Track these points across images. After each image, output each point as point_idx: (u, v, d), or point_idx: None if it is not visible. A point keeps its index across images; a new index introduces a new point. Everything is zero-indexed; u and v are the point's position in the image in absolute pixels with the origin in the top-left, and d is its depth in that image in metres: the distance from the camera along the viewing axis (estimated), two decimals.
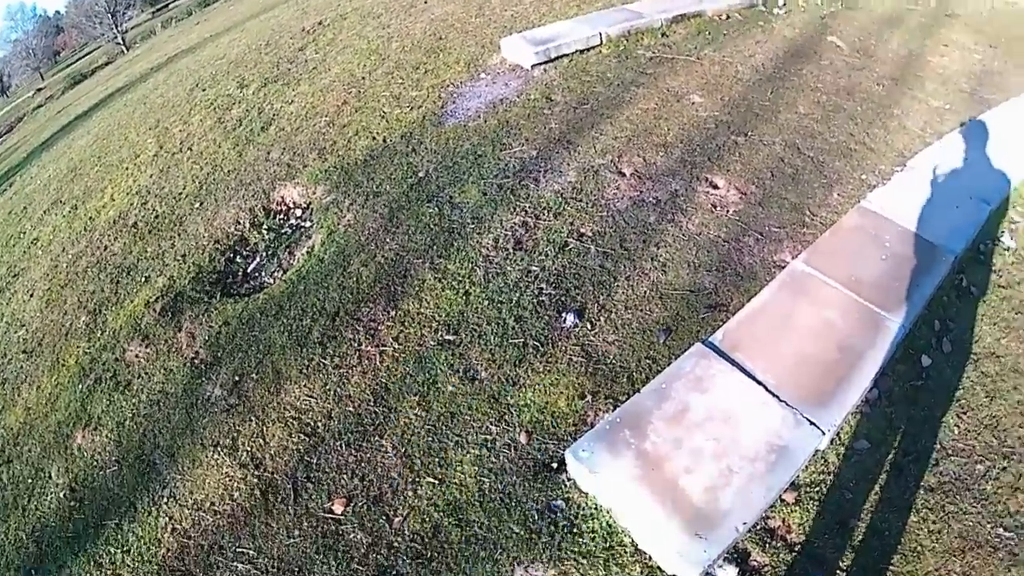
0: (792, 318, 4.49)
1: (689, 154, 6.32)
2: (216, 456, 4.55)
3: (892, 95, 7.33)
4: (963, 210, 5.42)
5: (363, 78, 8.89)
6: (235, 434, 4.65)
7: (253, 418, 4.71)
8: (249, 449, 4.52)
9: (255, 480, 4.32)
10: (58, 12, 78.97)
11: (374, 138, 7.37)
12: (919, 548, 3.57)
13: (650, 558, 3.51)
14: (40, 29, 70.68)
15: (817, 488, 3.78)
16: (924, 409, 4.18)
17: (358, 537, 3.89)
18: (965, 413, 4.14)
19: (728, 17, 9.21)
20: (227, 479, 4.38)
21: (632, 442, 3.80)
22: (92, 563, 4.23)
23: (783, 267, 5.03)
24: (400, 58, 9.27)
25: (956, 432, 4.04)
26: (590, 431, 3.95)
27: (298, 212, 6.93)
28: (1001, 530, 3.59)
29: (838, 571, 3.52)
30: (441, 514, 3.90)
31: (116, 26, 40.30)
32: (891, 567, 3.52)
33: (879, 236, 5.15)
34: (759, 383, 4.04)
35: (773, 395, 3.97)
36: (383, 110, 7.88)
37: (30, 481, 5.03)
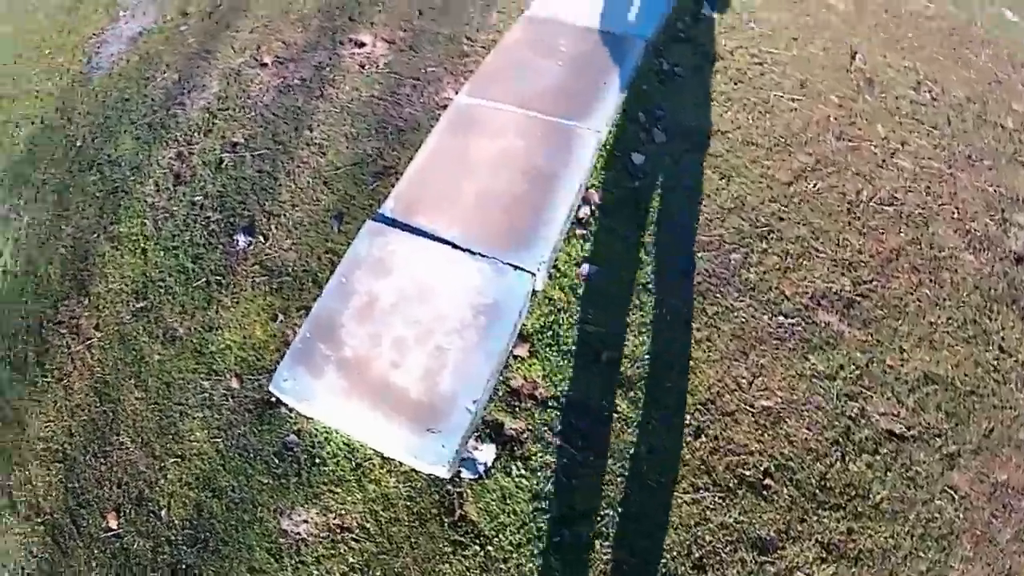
0: (467, 159, 3.94)
1: (328, 20, 5.71)
2: (3, 520, 4.02)
3: None
4: None
5: (15, 61, 7.72)
6: (8, 490, 4.12)
7: (15, 466, 4.18)
8: (26, 499, 4.02)
9: (42, 528, 3.87)
10: None
11: (32, 123, 6.43)
12: (692, 362, 3.26)
13: (400, 464, 3.18)
14: None
15: (551, 332, 3.41)
16: (650, 212, 3.80)
17: (140, 544, 3.54)
18: (701, 202, 3.79)
19: None
20: (20, 538, 3.90)
21: (329, 354, 3.32)
22: None
23: (447, 106, 4.48)
24: (40, 24, 8.12)
25: (696, 225, 3.69)
26: (284, 357, 3.49)
27: None
28: (782, 318, 3.33)
29: (605, 412, 3.17)
30: (196, 491, 3.59)
31: None
32: (667, 392, 3.20)
33: (551, 42, 4.57)
34: (445, 242, 3.52)
35: (464, 250, 3.46)
36: (36, 89, 6.85)
37: None
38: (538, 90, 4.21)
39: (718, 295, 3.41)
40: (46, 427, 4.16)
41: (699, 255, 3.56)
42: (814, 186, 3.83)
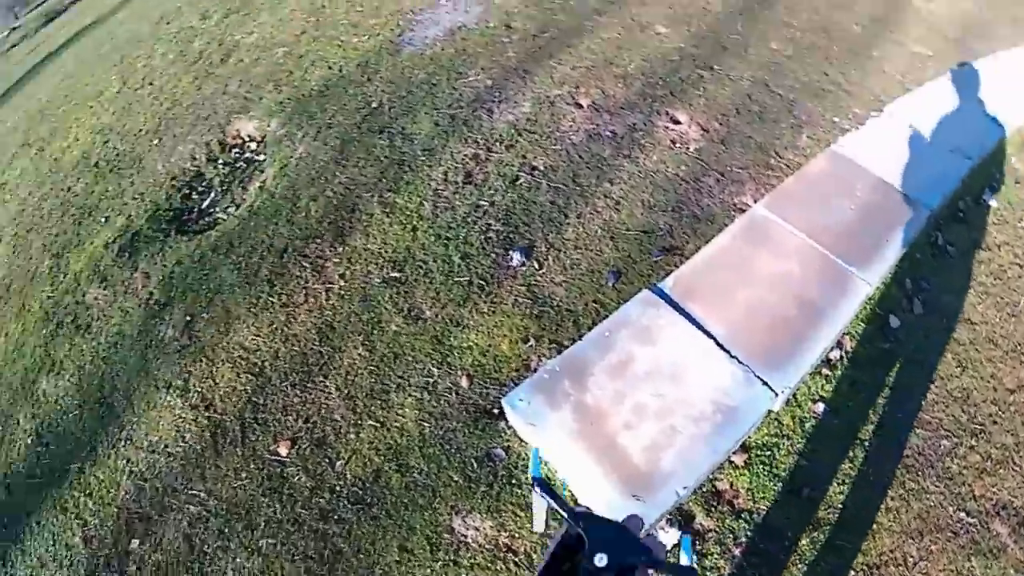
0: (750, 267, 4.16)
1: (650, 87, 5.98)
2: (169, 398, 4.47)
3: (871, 37, 6.85)
4: (942, 163, 5.03)
5: (323, 5, 8.49)
6: (187, 375, 4.55)
7: (204, 359, 4.61)
8: (200, 390, 4.44)
9: (205, 422, 4.25)
10: None
11: (330, 68, 7.08)
12: (876, 526, 3.35)
13: None
14: None
15: (769, 452, 3.54)
16: (889, 375, 3.92)
17: (302, 480, 3.83)
18: (933, 383, 3.87)
19: None
20: (180, 421, 4.32)
21: (571, 394, 3.55)
22: (58, 507, 4.15)
23: (744, 211, 4.71)
24: None
25: (922, 403, 3.78)
26: (527, 380, 3.73)
27: (253, 146, 6.64)
28: (963, 514, 3.36)
29: (787, 542, 3.28)
30: (382, 459, 3.82)
31: None
32: (845, 543, 3.30)
33: (849, 184, 4.77)
34: (709, 336, 3.74)
35: (724, 350, 3.67)
36: (340, 39, 7.55)
37: (1, 428, 4.91)
38: (828, 225, 4.42)
39: (919, 474, 3.48)
40: (252, 339, 4.57)
41: (916, 431, 3.64)
42: None
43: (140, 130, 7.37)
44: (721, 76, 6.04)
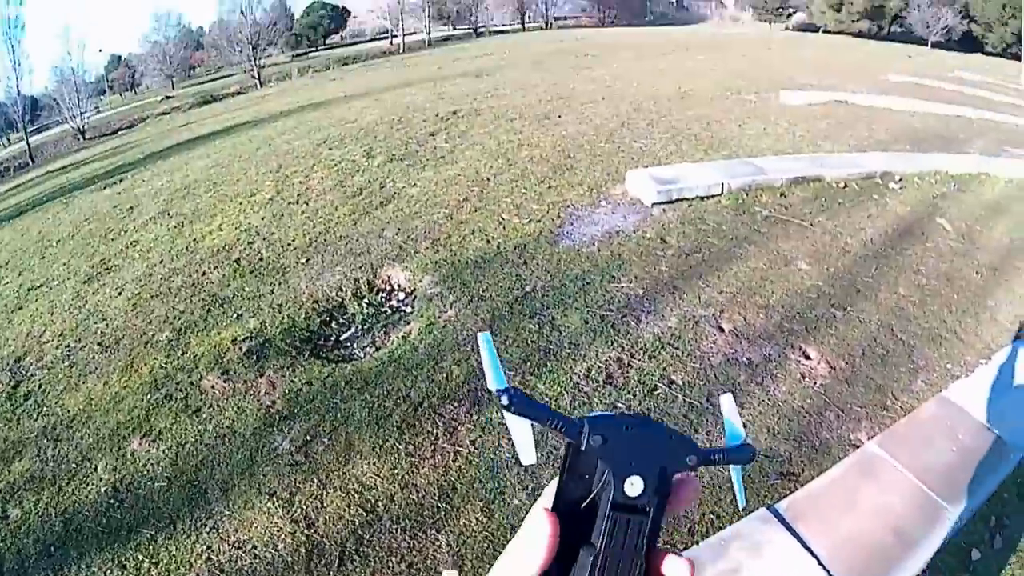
0: (856, 497, 4.54)
1: (788, 320, 6.43)
2: (270, 505, 4.62)
3: (989, 284, 7.36)
4: None
5: (487, 179, 9.15)
6: (294, 490, 4.71)
7: (315, 479, 4.77)
8: (304, 508, 4.57)
9: (303, 538, 4.37)
10: (201, 28, 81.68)
11: (488, 241, 7.58)
12: None
13: None
14: (181, 39, 73.04)
15: None
16: None
17: None
18: None
19: (846, 186, 9.39)
20: (275, 529, 4.44)
21: None
22: (116, 563, 4.32)
23: (858, 446, 5.07)
24: (527, 167, 9.55)
25: None
26: None
27: (401, 295, 7.11)
28: None
29: None
30: None
31: (254, 59, 41.70)
32: None
33: (953, 428, 5.17)
34: (812, 554, 4.08)
35: (824, 568, 4.00)
36: (502, 215, 8.11)
37: (74, 466, 5.15)
38: (931, 465, 4.80)
39: None
40: (370, 477, 4.79)
41: None
42: None
43: (289, 243, 7.93)
44: (852, 317, 6.49)
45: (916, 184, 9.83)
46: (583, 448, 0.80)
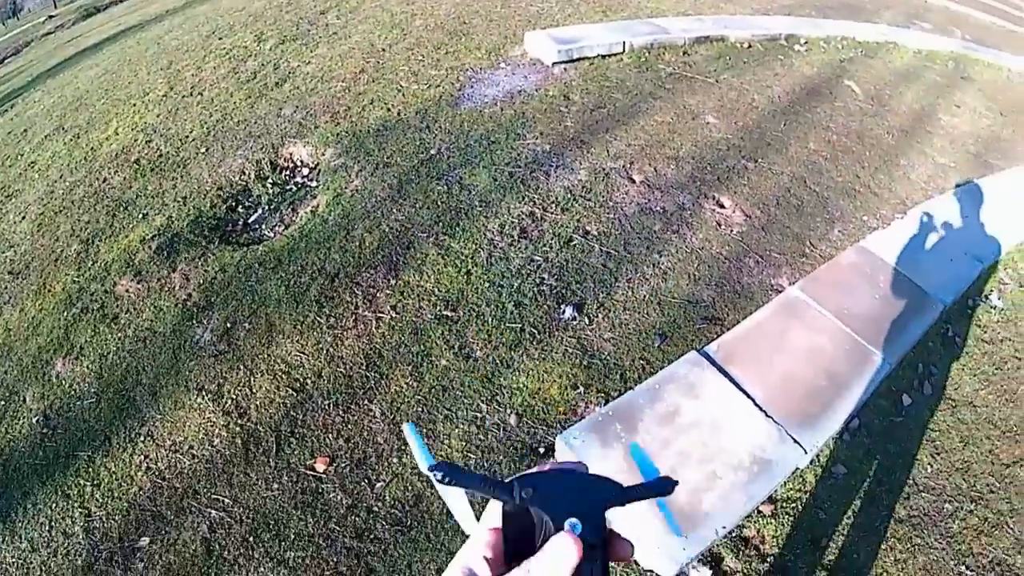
0: (784, 340, 4.66)
1: (699, 171, 6.49)
2: (200, 400, 4.57)
3: (900, 146, 7.56)
4: (956, 264, 5.66)
5: (383, 50, 8.95)
6: (221, 380, 4.68)
7: (241, 367, 4.74)
8: (234, 397, 4.55)
9: (238, 429, 4.36)
10: None
11: (388, 110, 7.46)
12: (885, 574, 3.72)
13: None
14: None
15: (793, 504, 3.93)
16: (900, 445, 4.37)
17: (338, 497, 3.96)
18: (939, 454, 4.33)
19: (750, 46, 9.41)
20: (209, 424, 4.41)
21: (623, 436, 3.92)
22: (59, 493, 4.26)
23: (780, 291, 5.22)
24: (422, 36, 9.34)
25: (928, 471, 4.23)
26: (583, 420, 4.06)
27: (305, 171, 7.01)
28: (964, 568, 3.77)
29: None
30: (424, 484, 3.97)
31: None
32: None
33: (874, 276, 5.34)
34: (749, 396, 4.20)
35: (761, 409, 4.13)
36: (400, 84, 7.96)
37: (3, 403, 5.02)
38: (855, 310, 4.96)
39: (924, 532, 3.88)
40: (295, 355, 4.75)
41: (923, 495, 4.07)
42: None
43: (187, 136, 7.71)
44: (764, 169, 6.61)
45: (822, 48, 9.93)
46: (517, 503, 0.84)
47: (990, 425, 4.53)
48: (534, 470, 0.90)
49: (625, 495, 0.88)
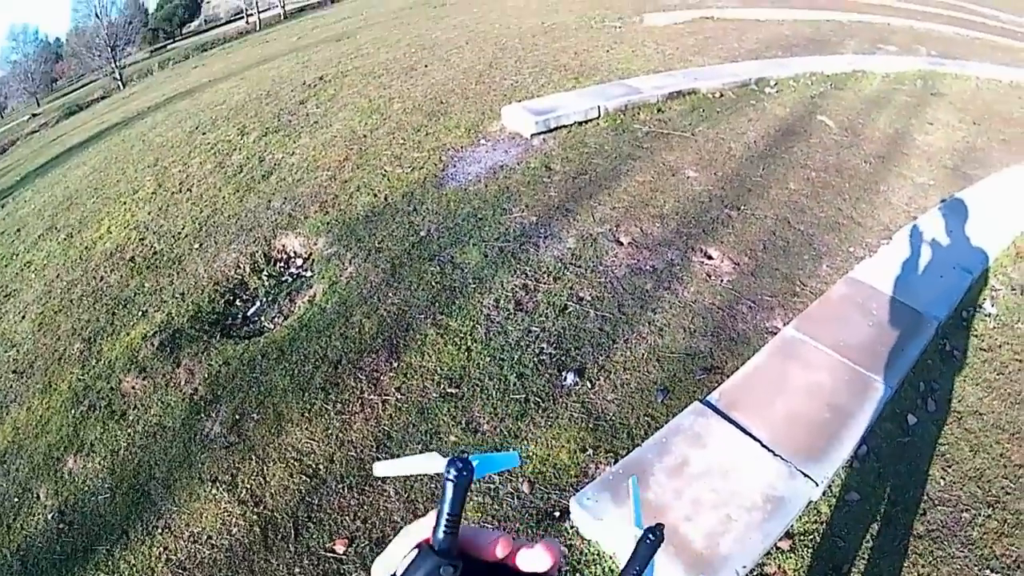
0: (784, 380, 4.76)
1: (684, 226, 6.61)
2: (215, 491, 4.59)
3: (879, 172, 7.72)
4: (946, 279, 5.79)
5: (364, 136, 9.15)
6: (235, 471, 4.71)
7: (253, 456, 4.78)
8: (249, 486, 4.57)
9: (255, 517, 4.36)
10: (59, 39, 78.85)
11: (375, 195, 7.60)
12: None
13: None
14: (40, 54, 70.55)
15: (811, 536, 3.97)
16: (911, 463, 4.43)
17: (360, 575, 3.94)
18: (950, 466, 4.39)
19: (721, 95, 9.63)
20: (226, 514, 4.42)
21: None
22: None
23: (775, 333, 5.29)
24: (401, 119, 9.55)
25: (942, 484, 4.28)
26: (594, 481, 4.11)
27: (299, 261, 7.12)
28: (988, 571, 3.81)
29: None
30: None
31: (114, 60, 40.24)
32: None
33: (866, 304, 5.45)
34: (755, 439, 4.28)
35: (768, 450, 4.20)
36: (384, 168, 8.12)
37: (16, 500, 5.07)
38: (851, 341, 5.07)
39: (945, 542, 3.92)
40: (305, 442, 4.79)
41: (939, 508, 4.11)
42: None
43: (179, 232, 7.86)
44: (747, 215, 6.74)
45: (792, 87, 10.16)
46: None
47: (998, 430, 4.60)
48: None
49: None
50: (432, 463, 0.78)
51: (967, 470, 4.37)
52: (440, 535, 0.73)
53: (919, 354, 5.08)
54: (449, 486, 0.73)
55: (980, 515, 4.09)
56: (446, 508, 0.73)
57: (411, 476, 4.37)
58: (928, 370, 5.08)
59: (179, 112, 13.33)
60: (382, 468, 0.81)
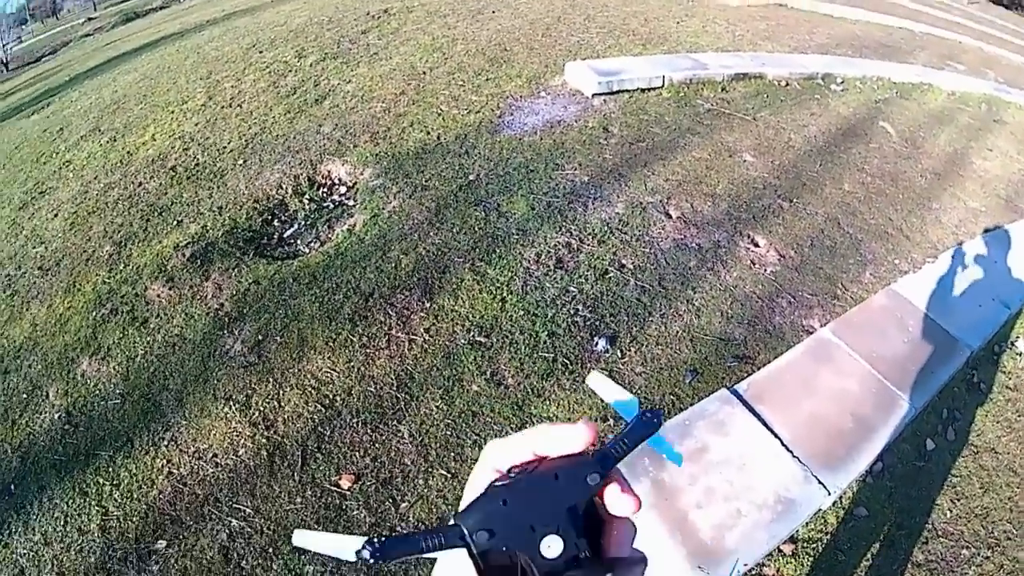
0: (813, 381, 4.74)
1: (735, 209, 6.55)
2: (227, 410, 4.62)
3: (933, 188, 7.60)
4: (984, 309, 5.73)
5: (424, 73, 9.08)
6: (250, 392, 4.72)
7: (271, 379, 4.78)
8: (262, 409, 4.59)
9: (264, 440, 4.40)
10: None
11: (428, 133, 7.55)
12: None
13: None
14: None
15: (814, 545, 3.97)
16: (922, 489, 4.41)
17: (362, 515, 3.98)
18: (959, 500, 4.37)
19: (787, 84, 9.50)
20: (235, 434, 4.46)
21: (651, 471, 4.00)
22: (77, 490, 4.31)
23: (811, 332, 5.27)
24: (463, 61, 9.48)
25: (948, 516, 4.27)
26: None
27: (343, 189, 7.08)
28: None
29: None
30: (450, 507, 3.94)
31: None
32: None
33: (903, 320, 5.42)
34: (776, 436, 4.28)
35: (787, 449, 4.20)
36: (440, 107, 8.06)
37: (25, 396, 5.10)
38: (884, 354, 5.04)
39: None
40: (326, 371, 4.79)
41: (940, 540, 4.11)
42: None
43: (224, 147, 7.86)
44: (799, 208, 6.68)
45: (858, 88, 9.99)
46: (476, 552, 0.72)
47: (1011, 472, 4.57)
48: (477, 492, 0.76)
49: (603, 466, 0.77)
50: (348, 545, 0.73)
51: (974, 507, 4.35)
52: None
53: (948, 379, 5.05)
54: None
55: (979, 555, 4.08)
56: None
57: (428, 425, 4.42)
58: (954, 398, 5.06)
59: (238, 28, 13.26)
60: (300, 538, 0.75)
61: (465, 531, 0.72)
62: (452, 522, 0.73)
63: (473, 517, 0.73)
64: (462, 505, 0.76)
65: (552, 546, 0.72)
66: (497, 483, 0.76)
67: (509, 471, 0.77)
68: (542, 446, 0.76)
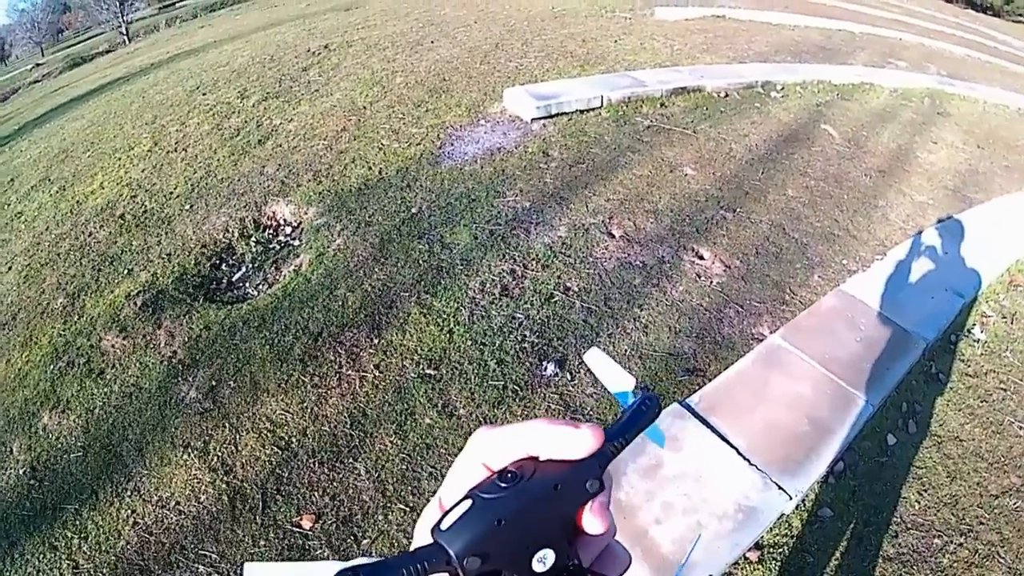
0: (766, 388, 4.72)
1: (678, 223, 6.56)
2: (186, 457, 4.57)
3: (878, 187, 7.67)
4: (937, 301, 5.75)
5: (364, 107, 9.09)
6: (207, 438, 4.68)
7: (227, 424, 4.75)
8: (220, 455, 4.55)
9: (224, 486, 4.34)
10: None
11: (370, 168, 7.55)
12: None
13: None
14: (48, 4, 71.34)
15: (780, 550, 3.95)
16: (887, 484, 4.40)
17: (325, 554, 3.91)
18: (926, 491, 4.37)
19: (727, 95, 9.56)
20: (195, 481, 4.40)
21: None
22: (47, 544, 4.22)
23: (761, 340, 5.26)
24: (403, 93, 9.49)
25: (916, 508, 4.26)
26: None
27: (288, 229, 7.06)
28: None
29: None
30: (411, 541, 3.90)
31: (121, 15, 39.84)
32: None
33: (855, 319, 5.42)
34: (732, 446, 4.25)
35: (744, 458, 4.17)
36: (381, 142, 8.06)
37: None
38: (836, 355, 5.04)
39: (914, 567, 3.90)
40: (280, 414, 4.75)
41: (911, 532, 4.10)
42: (1014, 505, 4.30)
43: (171, 192, 7.81)
44: (742, 218, 6.69)
45: (798, 93, 10.10)
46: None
47: (977, 458, 4.58)
48: (463, 487, 0.70)
49: (602, 464, 0.72)
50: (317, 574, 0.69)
51: (943, 496, 4.35)
52: None
53: (904, 374, 5.06)
54: None
55: (952, 543, 4.07)
56: None
57: (383, 460, 4.38)
58: (912, 391, 5.07)
59: (181, 71, 13.29)
60: (251, 571, 0.70)
61: (452, 555, 0.64)
62: (434, 539, 0.66)
63: (463, 538, 0.65)
64: (445, 498, 0.71)
65: (545, 560, 0.68)
66: (487, 493, 0.68)
67: (501, 473, 0.69)
68: (537, 448, 0.70)
